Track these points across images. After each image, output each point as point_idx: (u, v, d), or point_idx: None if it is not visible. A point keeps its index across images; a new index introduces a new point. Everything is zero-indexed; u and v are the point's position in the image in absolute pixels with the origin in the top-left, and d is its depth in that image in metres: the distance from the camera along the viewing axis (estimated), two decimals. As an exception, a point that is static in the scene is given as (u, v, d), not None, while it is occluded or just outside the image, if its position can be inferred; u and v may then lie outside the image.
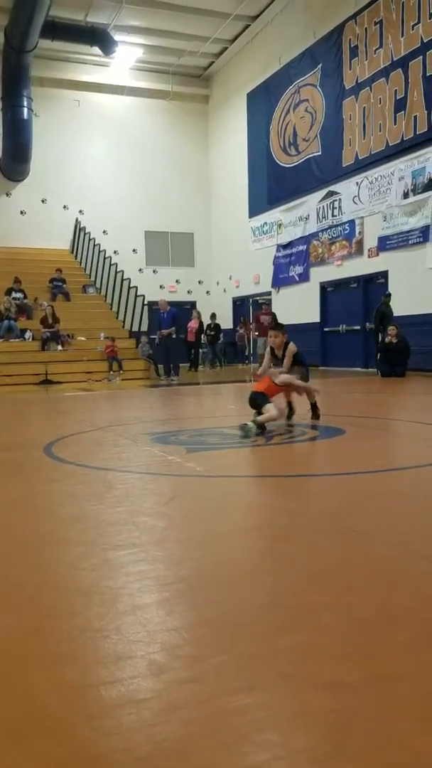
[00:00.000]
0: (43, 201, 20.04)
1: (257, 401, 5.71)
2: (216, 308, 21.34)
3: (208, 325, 18.18)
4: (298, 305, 17.04)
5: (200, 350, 18.15)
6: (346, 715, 1.35)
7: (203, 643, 1.69)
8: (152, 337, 15.44)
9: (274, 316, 14.82)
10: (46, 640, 1.76)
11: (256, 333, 16.41)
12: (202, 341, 17.98)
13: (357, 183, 14.51)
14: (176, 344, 14.18)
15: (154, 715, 1.36)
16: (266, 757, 1.22)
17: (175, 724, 1.33)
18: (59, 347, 14.92)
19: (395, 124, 13.26)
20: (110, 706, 1.40)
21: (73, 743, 1.28)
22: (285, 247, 17.62)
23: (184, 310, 17.71)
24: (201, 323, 17.39)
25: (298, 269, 17.06)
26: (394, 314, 13.25)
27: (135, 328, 16.74)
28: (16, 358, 13.58)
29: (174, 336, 13.95)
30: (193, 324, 16.97)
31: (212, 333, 18.35)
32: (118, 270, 17.69)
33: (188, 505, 3.21)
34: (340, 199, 15.22)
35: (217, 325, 18.75)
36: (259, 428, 5.28)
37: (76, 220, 20.22)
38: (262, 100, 18.40)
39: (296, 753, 1.23)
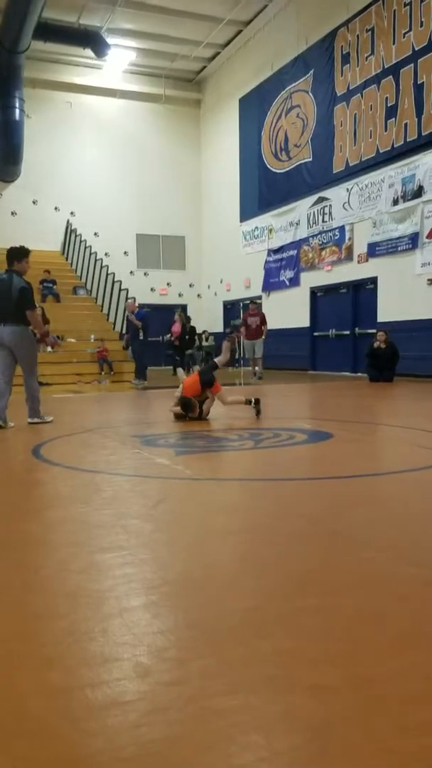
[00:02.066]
0: (34, 202, 20.00)
1: (189, 405, 6.46)
2: (206, 312, 21.38)
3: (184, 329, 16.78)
4: (288, 310, 17.10)
5: (185, 353, 17.89)
6: (328, 718, 1.37)
7: (188, 646, 1.71)
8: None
9: (263, 317, 14.37)
10: (31, 642, 1.76)
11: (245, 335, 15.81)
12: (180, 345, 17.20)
13: (347, 189, 14.59)
14: (142, 346, 13.14)
15: (139, 716, 1.37)
16: (250, 758, 1.23)
17: (160, 725, 1.34)
18: (49, 348, 14.87)
19: (386, 131, 13.35)
20: (96, 708, 1.41)
21: (58, 745, 1.29)
22: (276, 251, 17.68)
23: (172, 314, 17.67)
24: (184, 326, 17.07)
25: (289, 274, 17.12)
26: (384, 320, 13.36)
27: (125, 331, 16.69)
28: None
29: (141, 338, 13.02)
30: (175, 328, 16.73)
31: (187, 337, 16.94)
32: (109, 272, 17.67)
33: (176, 508, 3.23)
34: (330, 205, 15.30)
35: (192, 329, 18.24)
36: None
37: (68, 221, 20.18)
38: (254, 106, 18.47)
39: (279, 755, 1.24)
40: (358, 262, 14.42)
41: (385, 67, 13.29)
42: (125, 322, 13.80)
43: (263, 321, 14.20)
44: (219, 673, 1.55)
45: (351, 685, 1.50)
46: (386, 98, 13.31)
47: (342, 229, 14.90)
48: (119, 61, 19.29)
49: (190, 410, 6.53)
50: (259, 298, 18.64)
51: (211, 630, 1.80)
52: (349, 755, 1.24)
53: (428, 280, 12.39)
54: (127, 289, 17.05)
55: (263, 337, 14.10)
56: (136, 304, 13.73)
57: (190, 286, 22.13)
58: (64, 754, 1.26)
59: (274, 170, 17.67)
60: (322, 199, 15.58)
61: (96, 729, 1.33)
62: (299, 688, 1.48)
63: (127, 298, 16.57)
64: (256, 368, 13.98)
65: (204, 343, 19.91)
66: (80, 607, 1.95)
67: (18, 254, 6.40)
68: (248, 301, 15.25)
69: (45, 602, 2.04)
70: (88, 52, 17.34)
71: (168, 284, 21.80)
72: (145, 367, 13.24)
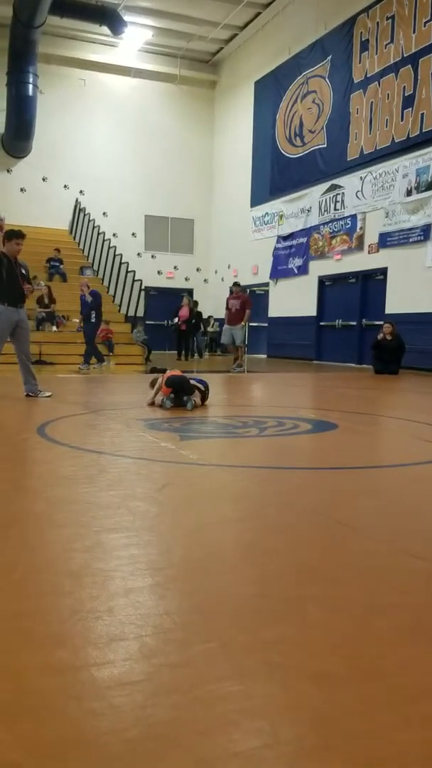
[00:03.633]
0: (43, 179, 19.89)
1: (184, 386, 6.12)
2: (213, 297, 21.32)
3: (191, 314, 16.94)
4: (295, 298, 17.04)
5: (194, 339, 17.90)
6: (332, 708, 1.37)
7: (193, 629, 1.71)
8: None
9: (245, 300, 12.89)
10: (36, 621, 1.76)
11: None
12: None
13: (361, 178, 14.47)
14: (93, 329, 12.39)
15: (145, 697, 1.38)
16: (255, 744, 1.24)
17: (165, 707, 1.34)
18: (54, 328, 14.85)
19: (402, 120, 13.22)
20: (101, 688, 1.41)
21: (63, 724, 1.29)
22: (285, 238, 17.58)
23: (179, 297, 17.64)
24: (192, 311, 17.04)
25: (298, 262, 17.03)
26: (392, 312, 13.28)
27: (131, 313, 16.68)
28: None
29: (93, 320, 12.23)
30: (183, 312, 16.66)
31: (194, 322, 17.07)
32: (116, 253, 17.60)
33: (181, 492, 3.23)
34: (343, 193, 15.18)
35: (199, 314, 17.97)
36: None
37: (76, 200, 20.08)
38: (270, 89, 18.28)
39: (284, 743, 1.24)
40: (369, 252, 14.33)
41: (404, 55, 13.13)
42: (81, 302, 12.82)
43: (245, 305, 12.88)
44: (224, 657, 1.55)
45: (355, 676, 1.50)
46: (404, 87, 13.16)
47: (354, 217, 14.79)
48: (135, 39, 19.10)
49: (187, 393, 6.14)
50: (266, 285, 18.58)
51: (215, 614, 1.80)
52: (354, 745, 1.24)
53: (438, 272, 12.34)
54: (134, 272, 17.00)
55: (243, 323, 12.86)
56: (88, 286, 12.71)
57: (198, 270, 22.05)
58: (68, 733, 1.26)
59: (287, 155, 17.52)
60: (334, 187, 15.46)
61: (101, 709, 1.33)
62: (303, 677, 1.48)
63: (134, 280, 16.49)
64: (237, 359, 12.86)
65: (209, 329, 19.90)
66: (86, 587, 1.95)
67: (9, 235, 6.56)
68: (239, 286, 14.07)
69: (50, 581, 2.04)
70: (104, 29, 17.16)
71: (175, 267, 21.71)
72: (97, 350, 12.54)
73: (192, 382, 6.27)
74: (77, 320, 13.76)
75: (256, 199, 19.06)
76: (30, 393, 6.73)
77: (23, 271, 6.78)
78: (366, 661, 1.57)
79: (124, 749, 1.20)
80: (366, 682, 1.47)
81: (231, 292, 13.39)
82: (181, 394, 6.10)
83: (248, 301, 12.95)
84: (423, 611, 1.86)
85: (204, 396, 6.36)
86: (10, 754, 1.19)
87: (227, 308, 12.90)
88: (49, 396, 6.75)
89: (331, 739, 1.26)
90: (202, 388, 6.34)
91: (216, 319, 19.91)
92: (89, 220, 19.05)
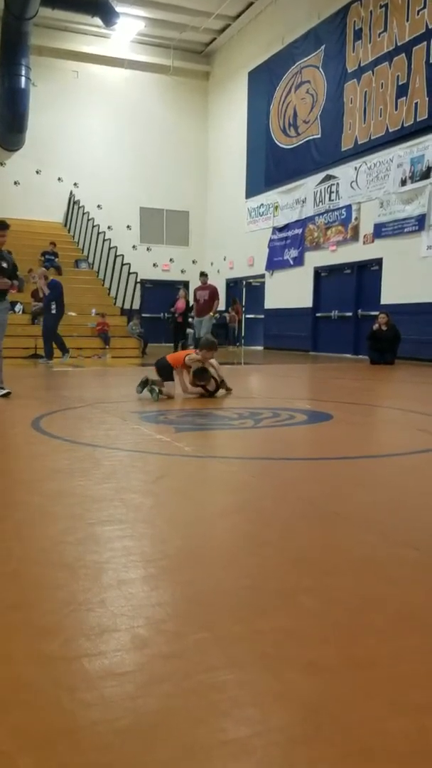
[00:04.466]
0: (37, 172, 19.79)
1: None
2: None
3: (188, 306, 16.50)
4: (291, 289, 17.02)
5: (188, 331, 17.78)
6: (324, 697, 1.37)
7: (186, 620, 1.71)
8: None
9: (213, 291, 12.70)
10: (29, 612, 1.77)
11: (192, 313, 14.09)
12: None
13: (355, 168, 14.43)
14: (54, 320, 11.77)
15: (136, 688, 1.38)
16: (246, 733, 1.24)
17: (156, 697, 1.35)
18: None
19: (396, 109, 13.17)
20: (93, 678, 1.41)
21: (55, 715, 1.29)
22: (281, 229, 17.54)
23: (176, 290, 17.57)
24: (188, 303, 16.96)
25: (293, 253, 17.00)
26: (387, 302, 13.27)
27: (127, 306, 16.64)
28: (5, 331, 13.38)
29: (54, 311, 11.60)
30: (179, 304, 16.61)
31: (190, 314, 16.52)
32: (111, 246, 17.54)
33: (175, 484, 3.23)
34: (337, 184, 15.14)
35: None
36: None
37: (71, 193, 19.99)
38: (264, 80, 18.19)
39: (275, 731, 1.25)
40: (364, 242, 14.31)
41: (398, 44, 13.06)
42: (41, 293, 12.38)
43: (213, 296, 12.84)
44: (216, 647, 1.56)
45: (347, 665, 1.50)
46: (398, 76, 13.11)
47: (348, 208, 14.76)
48: (127, 30, 18.96)
49: (206, 380, 6.45)
50: (262, 276, 18.55)
51: (209, 605, 1.81)
52: (345, 734, 1.25)
53: (434, 262, 12.32)
54: (129, 264, 16.95)
55: (212, 314, 12.87)
56: (48, 276, 12.35)
57: (193, 262, 21.99)
58: (60, 723, 1.26)
59: (282, 146, 17.45)
60: (329, 177, 15.42)
61: (92, 699, 1.34)
62: (295, 666, 1.48)
63: (129, 273, 16.40)
64: None
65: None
66: (78, 578, 1.96)
67: None
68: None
69: (43, 573, 2.04)
70: (97, 20, 17.02)
71: (171, 260, 21.66)
72: (61, 343, 12.01)
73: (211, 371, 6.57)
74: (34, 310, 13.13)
75: (251, 191, 19.00)
76: None
77: (4, 265, 6.53)
78: (358, 651, 1.58)
79: (115, 739, 1.21)
80: (358, 672, 1.47)
81: (199, 282, 13.19)
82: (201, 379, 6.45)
83: (216, 291, 12.95)
84: (416, 602, 1.87)
85: (216, 388, 6.60)
86: (1, 744, 1.19)
87: (195, 299, 12.82)
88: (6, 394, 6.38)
89: (323, 728, 1.27)
90: (218, 380, 6.60)
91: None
92: (84, 213, 18.97)
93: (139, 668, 1.46)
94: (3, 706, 1.32)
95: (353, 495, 3.05)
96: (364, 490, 3.14)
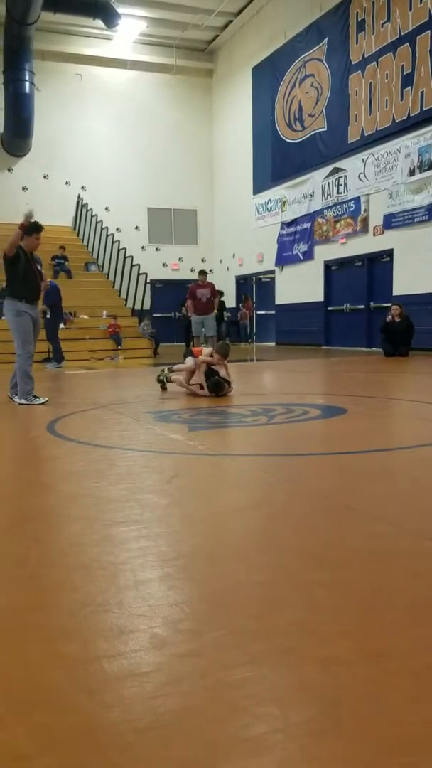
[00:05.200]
0: (44, 177, 19.87)
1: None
2: (219, 287, 21.24)
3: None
4: (301, 284, 16.96)
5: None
6: (341, 691, 1.37)
7: (203, 618, 1.71)
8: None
9: (213, 289, 12.53)
10: (47, 614, 1.78)
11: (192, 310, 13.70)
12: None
13: (363, 160, 14.35)
14: (52, 325, 11.67)
15: (155, 687, 1.38)
16: (265, 729, 1.24)
17: (175, 696, 1.35)
18: (61, 325, 14.87)
19: (402, 99, 13.07)
20: (112, 679, 1.42)
21: (75, 715, 1.30)
22: (289, 224, 17.48)
23: (185, 289, 17.58)
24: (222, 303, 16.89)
25: (302, 247, 16.94)
26: (400, 293, 13.19)
27: (138, 307, 16.68)
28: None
29: (48, 315, 11.36)
30: (190, 304, 16.60)
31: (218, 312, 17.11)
32: (120, 247, 17.58)
33: (190, 483, 3.23)
34: (345, 176, 15.06)
35: (222, 303, 18.11)
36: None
37: (78, 196, 20.06)
38: (268, 75, 18.13)
39: (294, 726, 1.25)
40: (374, 234, 14.22)
41: (402, 34, 12.96)
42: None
43: (214, 293, 12.77)
44: (233, 645, 1.56)
45: (364, 658, 1.50)
46: (402, 66, 13.01)
47: (357, 200, 14.68)
48: (130, 31, 18.97)
49: (221, 390, 6.54)
50: (272, 272, 18.50)
51: (226, 603, 1.81)
52: (363, 727, 1.24)
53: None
54: (138, 265, 16.99)
55: (215, 312, 12.76)
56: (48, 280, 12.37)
57: (203, 260, 21.98)
58: (80, 724, 1.27)
59: (287, 141, 17.39)
60: (336, 170, 15.34)
61: (112, 700, 1.34)
62: (313, 661, 1.48)
63: (139, 273, 16.45)
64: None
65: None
66: (96, 580, 1.97)
67: (30, 230, 6.44)
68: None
69: (60, 575, 2.05)
70: (98, 22, 17.05)
71: (180, 259, 21.67)
72: (57, 349, 11.92)
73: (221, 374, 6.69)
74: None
75: (258, 187, 18.95)
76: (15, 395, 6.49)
77: (39, 267, 6.68)
78: (375, 643, 1.57)
79: (134, 738, 1.21)
80: (375, 664, 1.47)
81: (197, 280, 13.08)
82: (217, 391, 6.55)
83: (214, 288, 12.93)
84: (433, 592, 1.86)
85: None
86: (23, 747, 1.20)
87: (196, 298, 12.70)
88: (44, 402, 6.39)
89: (342, 721, 1.27)
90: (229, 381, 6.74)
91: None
92: (92, 216, 19.04)
93: (158, 668, 1.47)
94: (23, 707, 1.33)
95: (368, 488, 3.04)
96: (378, 484, 3.13)
